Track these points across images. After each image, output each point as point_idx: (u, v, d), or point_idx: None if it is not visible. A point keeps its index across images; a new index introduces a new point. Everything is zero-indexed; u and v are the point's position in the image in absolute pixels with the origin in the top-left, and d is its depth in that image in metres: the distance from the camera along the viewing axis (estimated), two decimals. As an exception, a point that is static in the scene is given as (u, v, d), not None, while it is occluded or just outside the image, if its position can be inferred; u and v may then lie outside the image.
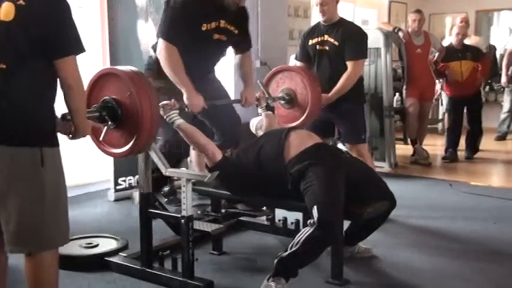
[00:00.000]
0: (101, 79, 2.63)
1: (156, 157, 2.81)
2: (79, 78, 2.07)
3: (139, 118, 2.47)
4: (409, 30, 5.95)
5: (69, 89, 2.04)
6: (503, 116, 7.51)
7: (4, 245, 2.18)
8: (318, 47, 3.90)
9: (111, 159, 4.51)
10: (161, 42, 3.08)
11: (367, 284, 2.99)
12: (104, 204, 4.48)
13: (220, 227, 3.03)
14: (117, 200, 4.54)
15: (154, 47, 3.24)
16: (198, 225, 2.94)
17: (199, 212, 3.63)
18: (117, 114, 2.52)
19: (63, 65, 2.01)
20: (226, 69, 5.27)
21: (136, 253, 3.04)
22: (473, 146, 6.40)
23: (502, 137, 7.55)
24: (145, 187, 2.92)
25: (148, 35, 4.71)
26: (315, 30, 3.96)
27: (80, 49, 2.08)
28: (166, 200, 4.34)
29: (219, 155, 2.96)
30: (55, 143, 2.10)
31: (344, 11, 7.96)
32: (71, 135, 2.19)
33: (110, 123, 2.56)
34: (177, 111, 2.89)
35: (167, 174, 2.87)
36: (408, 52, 5.87)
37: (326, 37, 3.86)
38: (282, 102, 3.76)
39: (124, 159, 4.38)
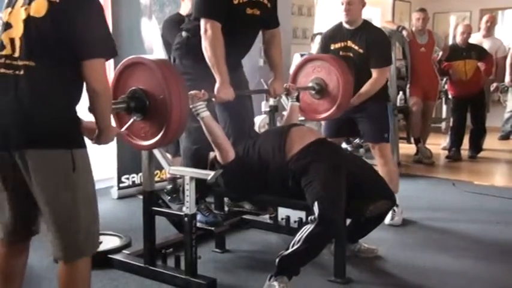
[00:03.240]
0: (127, 69, 2.53)
1: (159, 155, 2.81)
2: (105, 82, 2.00)
3: (169, 109, 2.37)
4: (413, 29, 5.94)
5: (94, 93, 1.97)
6: (506, 115, 7.48)
7: (24, 247, 2.18)
8: (341, 52, 3.77)
9: (114, 157, 4.52)
10: (203, 22, 2.85)
11: (369, 282, 2.99)
12: (107, 201, 4.49)
13: (223, 225, 3.04)
14: (120, 197, 4.55)
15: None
16: (201, 223, 2.94)
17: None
18: (144, 106, 2.43)
19: (89, 67, 1.94)
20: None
21: (139, 251, 3.05)
22: (476, 145, 6.39)
23: (505, 137, 7.51)
24: (149, 185, 2.92)
25: (152, 33, 4.72)
26: (337, 34, 3.83)
27: (109, 53, 2.01)
28: (169, 197, 4.36)
29: (232, 155, 2.92)
30: (83, 144, 2.03)
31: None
32: (93, 139, 2.13)
33: (136, 115, 2.47)
34: (205, 103, 2.82)
35: (170, 172, 2.88)
36: (412, 51, 5.85)
37: (349, 43, 3.75)
38: (312, 92, 3.68)
39: (127, 157, 4.43)
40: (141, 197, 3.20)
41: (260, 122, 3.68)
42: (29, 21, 1.95)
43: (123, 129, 2.52)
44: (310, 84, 3.68)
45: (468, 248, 3.49)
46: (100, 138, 2.12)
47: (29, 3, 1.96)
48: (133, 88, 2.46)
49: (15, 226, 2.11)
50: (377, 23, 8.06)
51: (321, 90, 3.66)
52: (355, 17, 3.74)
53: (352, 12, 3.71)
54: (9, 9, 2.03)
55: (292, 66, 5.74)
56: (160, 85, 2.38)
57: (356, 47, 3.73)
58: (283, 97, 3.57)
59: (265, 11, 3.08)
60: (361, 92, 3.72)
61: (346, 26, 3.79)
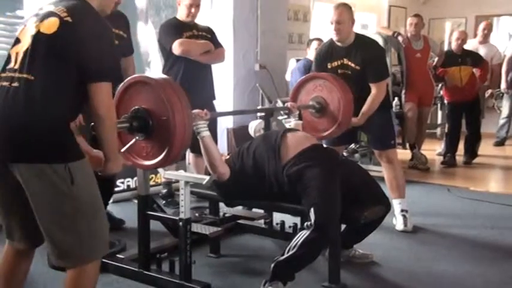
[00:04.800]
0: (131, 88, 2.48)
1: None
2: (111, 107, 2.00)
3: (172, 129, 2.32)
4: (409, 34, 5.96)
5: (98, 119, 1.96)
6: (501, 121, 7.51)
7: (30, 253, 2.18)
8: (339, 70, 3.74)
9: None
10: None
11: (364, 288, 2.99)
12: (102, 206, 4.46)
13: (218, 230, 3.03)
14: (115, 201, 4.53)
15: None
16: (196, 227, 2.94)
17: (197, 214, 3.63)
18: (147, 125, 2.38)
19: (95, 90, 1.93)
20: (223, 74, 5.28)
21: (134, 255, 3.04)
22: (471, 151, 6.40)
23: (500, 143, 7.55)
24: (144, 189, 2.92)
25: (148, 38, 4.72)
26: (332, 52, 3.78)
27: (115, 78, 2.03)
28: (164, 202, 4.35)
29: (227, 176, 2.91)
30: (80, 155, 2.00)
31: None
32: (101, 168, 2.10)
33: (139, 135, 2.42)
34: (207, 122, 2.82)
35: (165, 176, 2.87)
36: (407, 57, 5.86)
37: (345, 61, 3.72)
38: (312, 111, 3.65)
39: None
40: (135, 201, 3.20)
41: (255, 126, 3.66)
42: (37, 36, 1.96)
43: (124, 148, 2.48)
44: (310, 103, 3.64)
45: (463, 253, 3.49)
46: (107, 167, 2.09)
47: (42, 21, 1.98)
48: (136, 107, 2.41)
49: (20, 233, 2.12)
50: (372, 28, 8.11)
51: (321, 109, 3.62)
52: (346, 35, 3.70)
53: (342, 31, 3.67)
54: (23, 26, 2.07)
55: (288, 71, 5.76)
56: (163, 104, 2.33)
57: (352, 65, 3.71)
58: (283, 115, 3.54)
59: (122, 41, 3.42)
60: (364, 111, 3.69)
61: (339, 43, 3.75)
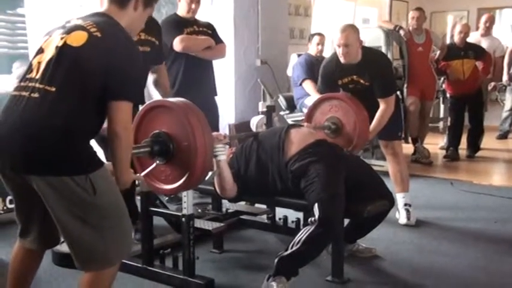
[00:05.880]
0: (150, 112, 2.44)
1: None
2: (128, 127, 1.98)
3: (194, 152, 2.26)
4: (410, 28, 5.94)
5: (115, 136, 1.93)
6: (504, 114, 7.48)
7: (37, 254, 2.20)
8: (350, 86, 3.71)
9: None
10: None
11: (367, 282, 2.99)
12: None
13: (221, 226, 3.04)
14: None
15: None
16: (199, 223, 2.94)
17: (200, 210, 3.64)
18: (168, 149, 2.33)
19: (116, 108, 1.92)
20: (224, 70, 5.28)
21: (137, 251, 3.04)
22: (474, 145, 6.39)
23: (503, 136, 7.52)
24: (146, 185, 2.91)
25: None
26: (341, 69, 3.70)
27: (138, 98, 2.02)
28: (167, 198, 4.35)
29: (233, 196, 2.99)
30: (99, 164, 1.97)
31: (345, 10, 7.97)
32: None
33: (159, 159, 2.38)
34: (225, 146, 2.83)
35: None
36: (409, 50, 5.84)
37: (355, 77, 3.67)
38: (328, 131, 3.56)
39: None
40: (138, 197, 3.20)
41: (257, 122, 3.67)
42: (63, 48, 1.93)
43: (143, 173, 2.43)
44: (326, 123, 3.56)
45: (466, 246, 3.49)
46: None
47: (69, 33, 1.96)
48: (156, 131, 2.37)
49: (35, 235, 2.13)
50: (374, 22, 8.09)
51: (337, 129, 3.54)
52: (354, 57, 3.61)
53: (350, 54, 3.58)
54: (47, 37, 2.05)
55: (289, 66, 5.76)
56: (184, 129, 2.30)
57: (362, 81, 3.67)
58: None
59: (154, 48, 3.32)
60: (373, 126, 3.64)
61: (347, 63, 3.67)
